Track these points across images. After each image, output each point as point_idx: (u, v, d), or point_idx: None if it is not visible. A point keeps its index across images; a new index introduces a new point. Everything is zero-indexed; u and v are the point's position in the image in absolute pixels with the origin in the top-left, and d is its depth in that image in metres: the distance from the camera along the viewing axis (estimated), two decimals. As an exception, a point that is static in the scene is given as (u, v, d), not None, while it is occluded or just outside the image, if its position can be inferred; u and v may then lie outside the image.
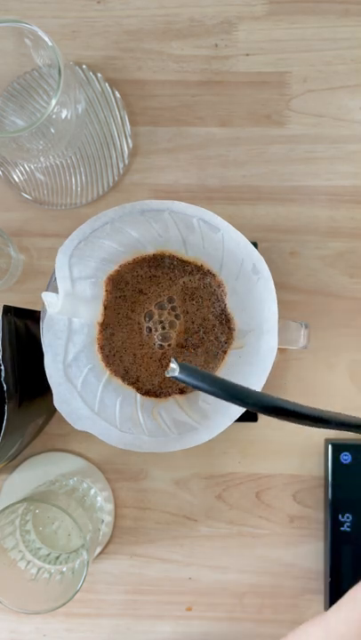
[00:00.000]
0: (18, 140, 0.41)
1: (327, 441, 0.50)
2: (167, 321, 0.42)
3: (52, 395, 0.39)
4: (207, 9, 0.51)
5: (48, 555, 0.49)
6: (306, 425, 0.25)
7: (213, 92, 0.51)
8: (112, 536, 0.51)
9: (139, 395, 0.41)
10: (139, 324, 0.42)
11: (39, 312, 0.42)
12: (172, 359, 0.25)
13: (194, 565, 0.51)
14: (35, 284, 0.51)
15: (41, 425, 0.49)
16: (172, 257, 0.42)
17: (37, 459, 0.51)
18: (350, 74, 0.50)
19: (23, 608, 0.42)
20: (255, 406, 0.24)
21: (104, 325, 0.42)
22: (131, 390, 0.42)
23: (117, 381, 0.41)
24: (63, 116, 0.42)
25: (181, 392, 0.42)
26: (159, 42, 0.51)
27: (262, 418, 0.51)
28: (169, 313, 0.42)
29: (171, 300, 0.42)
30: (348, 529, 0.49)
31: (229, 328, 0.41)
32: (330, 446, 0.49)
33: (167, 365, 0.42)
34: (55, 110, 0.40)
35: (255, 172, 0.51)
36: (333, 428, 0.27)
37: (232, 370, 0.41)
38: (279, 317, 0.38)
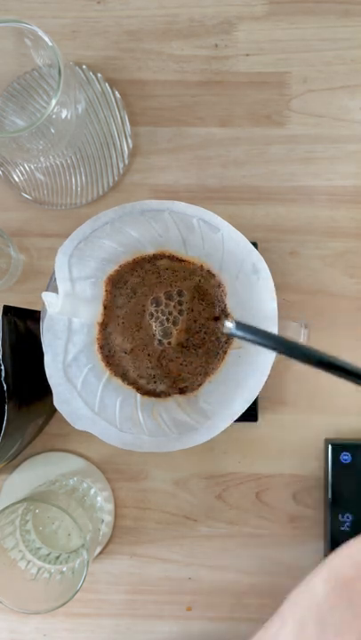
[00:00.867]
0: (18, 139, 0.41)
1: (327, 441, 0.50)
2: (168, 319, 0.42)
3: (52, 395, 0.39)
4: (207, 9, 0.51)
5: (48, 554, 0.49)
6: (353, 382, 0.26)
7: (213, 92, 0.51)
8: (112, 536, 0.51)
9: (139, 395, 0.41)
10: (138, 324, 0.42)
11: (39, 312, 0.42)
12: (228, 320, 0.26)
13: (194, 565, 0.51)
14: (35, 284, 0.51)
15: (41, 425, 0.49)
16: (172, 257, 0.42)
17: (37, 459, 0.51)
18: (350, 74, 0.50)
19: (23, 608, 0.42)
20: (304, 359, 0.26)
21: (104, 325, 0.42)
22: (131, 390, 0.42)
23: (117, 381, 0.41)
24: (63, 116, 0.42)
25: (181, 392, 0.42)
26: (159, 42, 0.51)
27: (262, 418, 0.51)
28: (169, 313, 0.42)
29: (170, 297, 0.42)
30: (348, 529, 0.49)
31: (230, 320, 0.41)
32: (330, 446, 0.49)
33: (167, 365, 0.42)
34: (55, 110, 0.40)
35: (255, 172, 0.51)
36: None
37: (232, 370, 0.41)
38: (279, 317, 0.38)
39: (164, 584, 0.51)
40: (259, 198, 0.51)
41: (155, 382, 0.42)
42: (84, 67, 0.50)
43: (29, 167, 0.51)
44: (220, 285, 0.41)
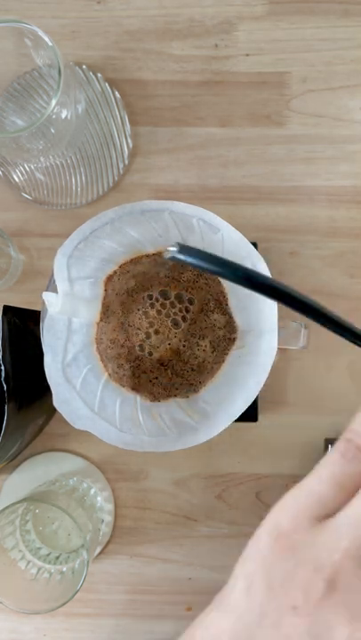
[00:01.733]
0: (18, 140, 0.41)
1: (327, 441, 0.50)
2: (168, 318, 0.42)
3: (52, 395, 0.39)
4: (207, 9, 0.51)
5: (48, 555, 0.49)
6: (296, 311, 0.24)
7: (213, 92, 0.51)
8: (112, 536, 0.51)
9: (138, 396, 0.41)
10: (136, 324, 0.42)
11: (39, 312, 0.42)
12: (173, 244, 0.24)
13: (194, 565, 0.51)
14: (35, 284, 0.51)
15: (41, 425, 0.49)
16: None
17: (37, 459, 0.51)
18: (350, 74, 0.50)
19: (23, 608, 0.42)
20: (248, 282, 0.23)
21: (102, 325, 0.41)
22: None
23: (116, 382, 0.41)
24: (63, 116, 0.42)
25: (182, 394, 0.42)
26: (159, 42, 0.51)
27: (262, 418, 0.51)
28: (167, 315, 0.42)
29: (167, 296, 0.42)
30: (348, 529, 0.48)
31: (231, 328, 0.41)
32: (330, 446, 0.49)
33: (165, 368, 0.42)
34: (55, 110, 0.40)
35: (255, 172, 0.51)
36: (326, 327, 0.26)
37: (232, 370, 0.41)
38: (279, 317, 0.38)
39: (164, 584, 0.51)
40: (259, 198, 0.51)
41: (153, 385, 0.42)
42: (84, 67, 0.50)
43: (29, 167, 0.51)
44: (220, 285, 0.41)
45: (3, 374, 0.38)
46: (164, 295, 0.42)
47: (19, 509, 0.48)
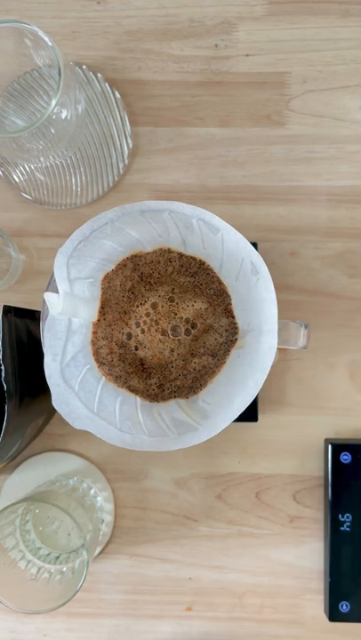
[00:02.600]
0: (18, 140, 0.41)
1: (327, 441, 0.50)
2: (167, 322, 0.42)
3: (51, 396, 0.39)
4: (207, 9, 0.51)
5: (48, 554, 0.49)
6: None
7: (213, 92, 0.51)
8: (112, 536, 0.51)
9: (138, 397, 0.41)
10: (132, 325, 0.42)
11: (39, 312, 0.42)
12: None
13: (194, 565, 0.51)
14: (35, 284, 0.52)
15: (41, 425, 0.49)
16: (171, 252, 0.42)
17: (37, 459, 0.51)
18: (350, 74, 0.50)
19: (23, 608, 0.42)
20: None
21: (99, 325, 0.41)
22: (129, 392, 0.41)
23: (113, 384, 0.41)
24: (63, 116, 0.42)
25: (181, 395, 0.42)
26: (159, 42, 0.51)
27: (262, 418, 0.51)
28: (166, 313, 0.42)
29: (171, 298, 0.42)
30: (348, 529, 0.49)
31: (233, 330, 0.41)
32: (330, 446, 0.49)
33: (163, 371, 0.42)
34: (55, 110, 0.40)
35: (255, 172, 0.51)
36: None
37: (231, 370, 0.41)
38: (279, 317, 0.38)
39: (164, 584, 0.51)
40: (259, 198, 0.51)
41: (150, 386, 0.41)
42: (84, 67, 0.50)
43: (29, 167, 0.51)
44: (221, 284, 0.41)
45: (2, 374, 0.38)
46: (163, 297, 0.42)
47: (19, 509, 0.48)
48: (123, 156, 0.51)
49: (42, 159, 0.46)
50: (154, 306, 0.42)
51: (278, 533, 0.51)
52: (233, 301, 0.41)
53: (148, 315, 0.42)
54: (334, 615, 0.49)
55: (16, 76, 0.49)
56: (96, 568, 0.51)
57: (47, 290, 0.39)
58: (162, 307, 0.42)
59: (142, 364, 0.42)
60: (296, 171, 0.51)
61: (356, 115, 0.51)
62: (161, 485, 0.51)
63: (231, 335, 0.41)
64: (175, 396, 0.41)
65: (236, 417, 0.38)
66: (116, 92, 0.50)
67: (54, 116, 0.40)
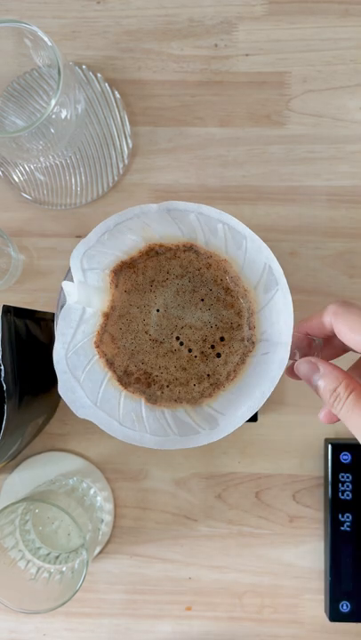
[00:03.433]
0: (18, 140, 0.41)
1: (327, 441, 0.50)
2: (177, 322, 0.42)
3: (51, 395, 0.39)
4: (207, 9, 0.51)
5: (48, 554, 0.49)
6: None
7: (213, 92, 0.51)
8: (112, 536, 0.51)
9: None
10: (144, 320, 0.41)
11: (39, 312, 0.42)
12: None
13: (194, 565, 0.51)
14: (34, 283, 0.52)
15: (41, 425, 0.49)
16: (195, 247, 0.41)
17: (37, 458, 0.51)
18: (350, 74, 0.50)
19: (23, 608, 0.42)
20: None
21: (107, 317, 0.41)
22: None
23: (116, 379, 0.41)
24: (63, 116, 0.42)
25: (188, 403, 0.41)
26: (159, 42, 0.51)
27: (262, 418, 0.51)
28: (178, 317, 0.41)
29: (185, 299, 0.41)
30: (348, 529, 0.49)
31: (250, 340, 0.41)
32: (330, 446, 0.49)
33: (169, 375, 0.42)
34: (55, 110, 0.40)
35: (255, 172, 0.51)
36: None
37: (241, 379, 0.41)
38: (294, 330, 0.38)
39: (164, 584, 0.51)
40: (259, 198, 0.51)
41: (154, 391, 0.41)
42: (83, 67, 0.50)
43: (29, 167, 0.51)
44: (244, 288, 0.41)
45: (2, 374, 0.38)
46: (176, 298, 0.41)
47: (18, 509, 0.48)
48: (122, 156, 0.51)
49: (42, 159, 0.46)
50: (165, 306, 0.41)
51: (278, 533, 0.51)
52: (256, 311, 0.41)
53: (154, 317, 0.41)
54: (334, 615, 0.49)
55: (16, 76, 0.49)
56: (96, 568, 0.51)
57: (65, 279, 0.39)
58: (172, 311, 0.41)
59: (146, 373, 0.41)
60: (296, 171, 0.51)
61: (355, 115, 0.50)
62: (161, 485, 0.51)
63: (250, 346, 0.41)
64: (181, 402, 0.41)
65: (240, 425, 0.38)
66: (116, 92, 0.50)
67: (54, 116, 0.40)
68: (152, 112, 0.51)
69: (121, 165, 0.51)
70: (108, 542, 0.51)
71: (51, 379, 0.40)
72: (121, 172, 0.51)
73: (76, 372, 0.39)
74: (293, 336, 0.37)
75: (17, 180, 0.51)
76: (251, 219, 0.51)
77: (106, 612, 0.51)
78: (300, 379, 0.37)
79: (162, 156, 0.51)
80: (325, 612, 0.49)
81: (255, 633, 0.51)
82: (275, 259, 0.38)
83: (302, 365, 0.36)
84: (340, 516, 0.49)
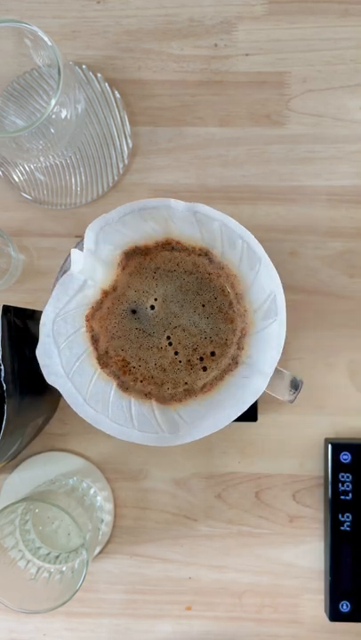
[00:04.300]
0: (18, 139, 0.41)
1: (327, 441, 0.50)
2: (168, 321, 0.42)
3: (51, 394, 0.39)
4: (207, 9, 0.51)
5: (48, 554, 0.49)
6: None
7: (213, 91, 0.51)
8: (112, 536, 0.51)
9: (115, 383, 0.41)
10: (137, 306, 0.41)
11: (39, 312, 0.42)
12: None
13: (194, 565, 0.51)
14: (35, 283, 0.52)
15: (41, 425, 0.49)
16: (211, 254, 0.40)
17: (37, 458, 0.51)
18: (350, 74, 0.50)
19: (23, 608, 0.42)
20: None
21: (105, 294, 0.40)
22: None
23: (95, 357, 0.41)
24: (63, 115, 0.42)
25: (158, 400, 0.41)
26: (159, 42, 0.51)
27: (262, 418, 0.51)
28: (172, 314, 0.41)
29: (185, 300, 0.41)
30: (348, 528, 0.49)
31: (237, 355, 0.41)
32: (330, 446, 0.49)
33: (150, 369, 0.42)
34: (55, 110, 0.40)
35: (255, 171, 0.51)
36: None
37: (213, 394, 0.41)
38: (283, 362, 0.38)
39: (164, 584, 0.51)
40: (258, 198, 0.51)
41: (129, 381, 0.41)
42: (83, 67, 0.50)
43: (29, 167, 0.51)
44: (245, 308, 0.40)
45: (2, 374, 0.38)
46: (176, 296, 0.41)
47: (18, 509, 0.48)
48: (122, 156, 0.51)
49: (42, 159, 0.46)
50: (163, 298, 0.41)
51: (278, 533, 0.51)
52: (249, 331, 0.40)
53: (155, 301, 0.41)
54: (334, 615, 0.49)
55: (16, 76, 0.49)
56: (96, 568, 0.51)
57: (75, 248, 0.38)
58: (170, 305, 0.41)
59: (125, 360, 0.41)
60: (296, 170, 0.51)
61: (355, 114, 0.51)
62: (161, 485, 0.51)
63: (233, 365, 0.41)
64: (151, 398, 0.40)
65: (198, 438, 0.38)
66: (116, 92, 0.50)
67: (54, 116, 0.40)
68: (152, 112, 0.51)
69: (121, 165, 0.51)
70: (108, 542, 0.51)
71: (51, 379, 0.40)
72: (121, 171, 0.51)
73: (58, 337, 0.38)
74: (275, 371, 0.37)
75: (17, 179, 0.51)
76: (251, 218, 0.51)
77: (106, 611, 0.51)
78: None
79: (162, 156, 0.51)
80: (325, 611, 0.50)
81: (255, 633, 0.51)
82: (282, 291, 0.38)
83: None
84: (340, 515, 0.49)
